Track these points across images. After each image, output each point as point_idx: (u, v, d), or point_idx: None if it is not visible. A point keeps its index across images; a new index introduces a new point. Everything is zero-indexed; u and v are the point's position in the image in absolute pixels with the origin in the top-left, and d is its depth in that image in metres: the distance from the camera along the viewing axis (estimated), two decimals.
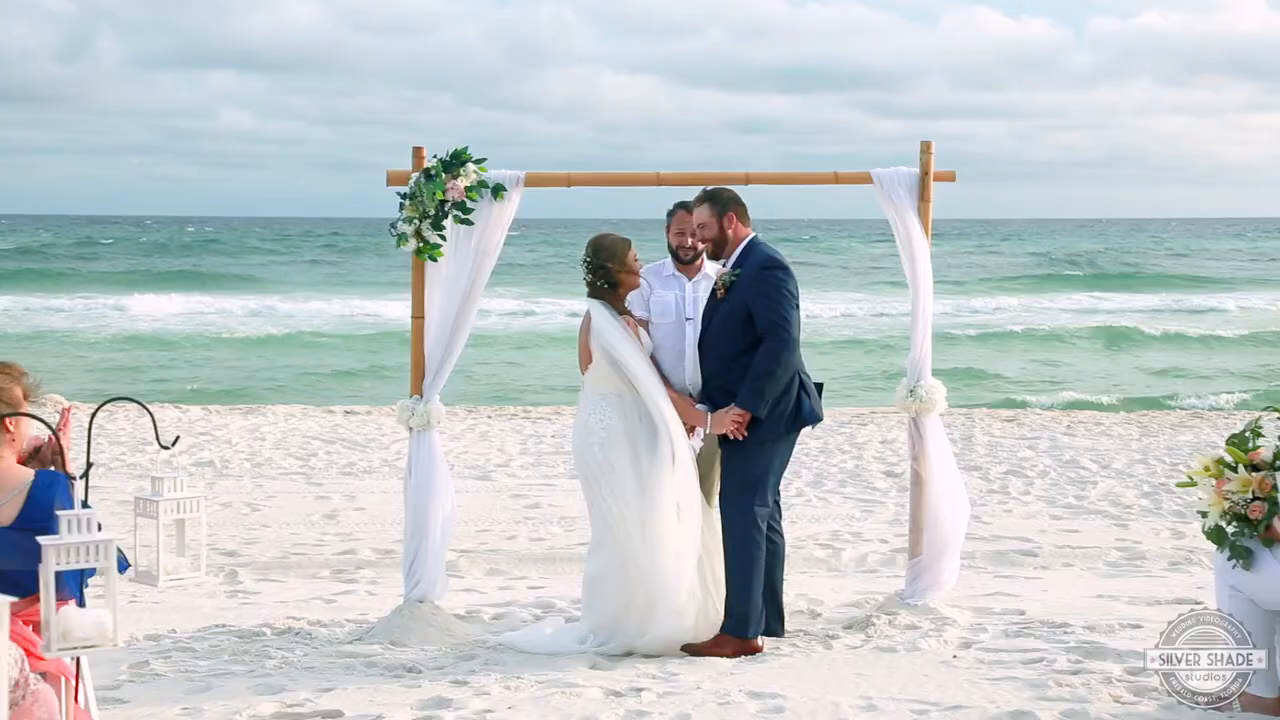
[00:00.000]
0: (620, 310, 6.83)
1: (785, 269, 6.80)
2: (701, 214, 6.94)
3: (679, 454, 6.68)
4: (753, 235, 6.93)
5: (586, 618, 6.93)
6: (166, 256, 62.45)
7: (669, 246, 7.43)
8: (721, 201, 6.92)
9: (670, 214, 7.43)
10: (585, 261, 6.85)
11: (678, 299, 7.29)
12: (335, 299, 40.38)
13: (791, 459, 13.12)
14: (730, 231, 6.89)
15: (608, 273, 6.80)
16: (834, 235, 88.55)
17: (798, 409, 6.81)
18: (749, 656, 6.69)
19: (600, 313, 6.79)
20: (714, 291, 6.91)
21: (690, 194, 7.24)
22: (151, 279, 46.97)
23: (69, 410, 5.03)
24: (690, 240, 7.27)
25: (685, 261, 7.35)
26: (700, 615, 6.74)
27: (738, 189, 7.26)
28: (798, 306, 6.81)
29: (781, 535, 7.03)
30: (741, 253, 6.87)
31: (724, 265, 6.95)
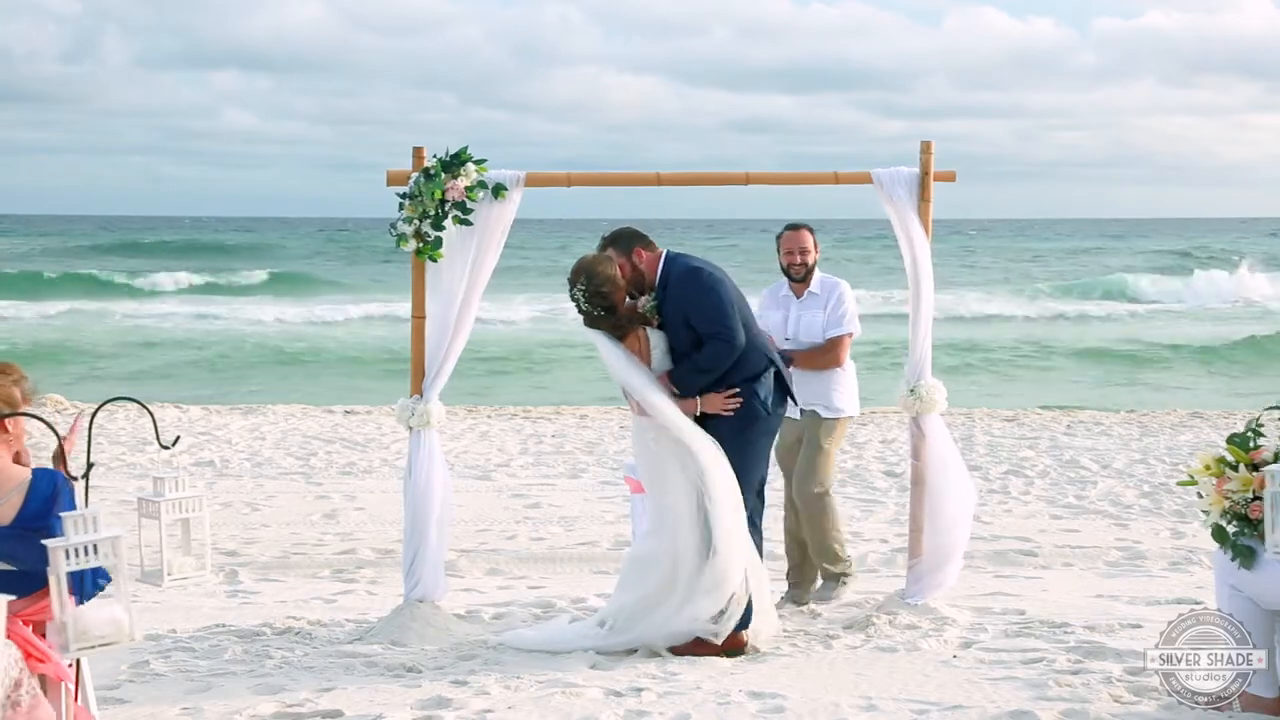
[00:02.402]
0: (622, 333, 6.76)
1: (707, 271, 6.80)
2: (613, 257, 6.93)
3: (707, 471, 6.64)
4: (665, 252, 6.95)
5: (616, 598, 6.92)
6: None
7: (781, 267, 7.95)
8: (624, 240, 6.93)
9: (779, 236, 7.92)
10: (581, 289, 6.69)
11: (784, 319, 7.85)
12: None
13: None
14: (643, 265, 6.90)
15: (604, 297, 6.71)
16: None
17: (776, 394, 6.87)
18: (740, 655, 6.67)
19: (605, 346, 6.76)
20: (646, 319, 6.89)
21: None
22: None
23: (79, 417, 5.05)
24: (799, 258, 7.79)
25: (797, 280, 7.85)
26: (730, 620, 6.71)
27: (736, 189, 7.39)
28: (736, 299, 6.78)
29: (760, 533, 6.97)
30: (662, 272, 6.87)
31: (650, 292, 6.91)
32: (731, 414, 6.75)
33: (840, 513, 7.98)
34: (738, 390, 6.76)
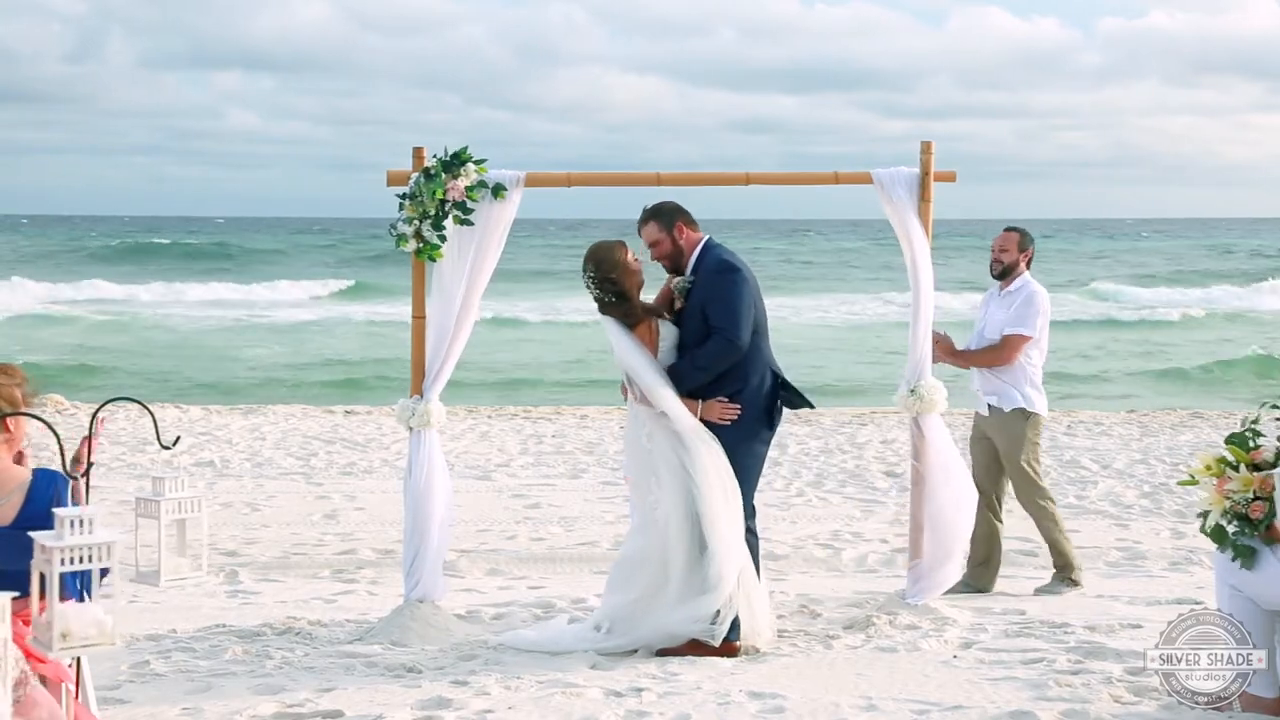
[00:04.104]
0: (633, 321, 6.76)
1: (738, 270, 6.79)
2: (651, 232, 6.93)
3: (703, 460, 6.64)
4: (706, 238, 6.94)
5: (607, 600, 6.92)
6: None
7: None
8: (667, 214, 6.93)
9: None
10: (590, 278, 6.73)
11: (982, 314, 8.35)
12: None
13: (792, 459, 13.01)
14: (683, 242, 6.90)
15: (613, 283, 6.71)
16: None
17: (776, 405, 6.87)
18: (734, 658, 6.64)
19: (614, 332, 6.76)
20: (673, 301, 6.92)
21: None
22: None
23: (103, 422, 5.05)
24: (995, 255, 8.22)
25: (994, 277, 8.29)
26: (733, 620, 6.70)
27: (737, 189, 7.45)
28: (753, 306, 6.79)
29: (756, 535, 6.98)
30: (697, 258, 6.87)
31: (684, 272, 6.93)
32: (729, 423, 6.74)
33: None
34: (738, 404, 6.75)
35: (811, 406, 7.10)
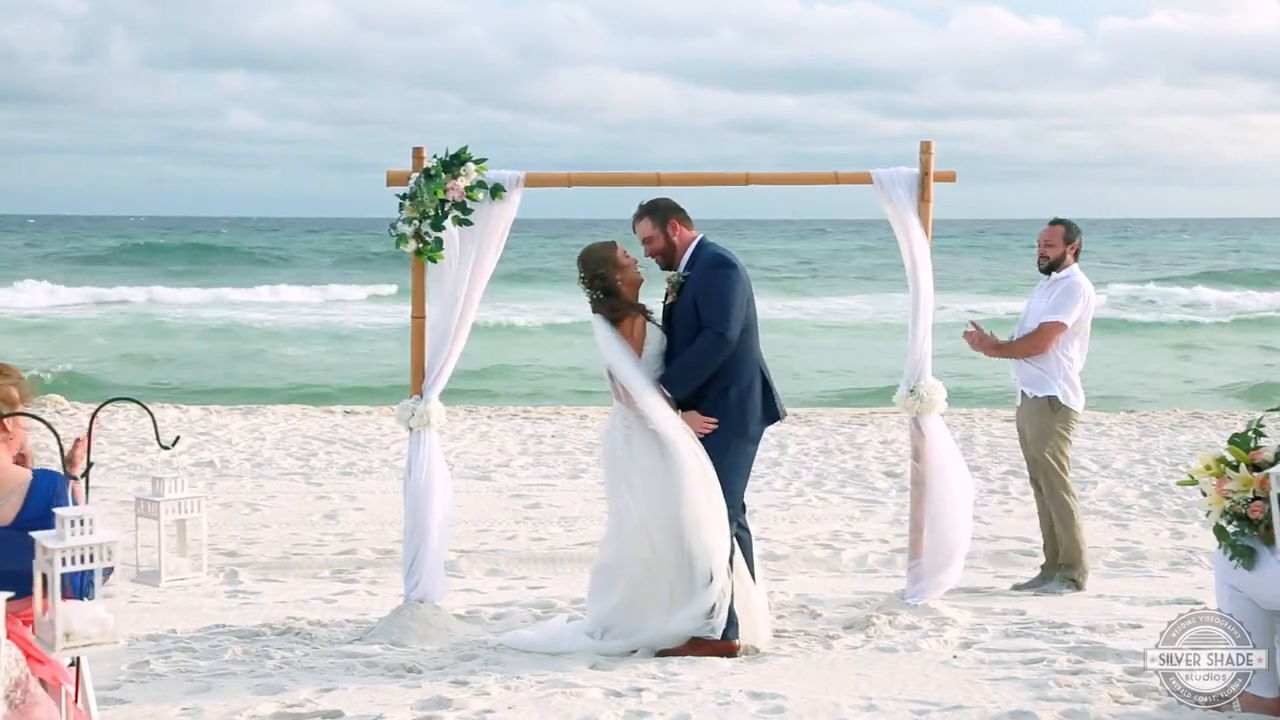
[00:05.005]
0: (620, 317, 6.77)
1: (733, 266, 6.80)
2: (645, 228, 6.97)
3: (687, 458, 6.64)
4: (700, 236, 6.96)
5: (593, 611, 6.91)
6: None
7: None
8: (661, 211, 6.96)
9: None
10: (581, 278, 6.83)
11: (1027, 304, 8.46)
12: None
13: (792, 459, 13.02)
14: (676, 238, 6.92)
15: (603, 280, 6.77)
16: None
17: (763, 406, 6.86)
18: (733, 658, 6.65)
19: (600, 330, 6.78)
20: (666, 295, 6.94)
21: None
22: None
23: (94, 422, 5.04)
24: (1041, 249, 8.31)
25: (1040, 270, 8.36)
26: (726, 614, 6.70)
27: (737, 189, 7.47)
28: (747, 302, 6.80)
29: (748, 531, 6.99)
30: (691, 255, 6.89)
31: (676, 270, 6.96)
32: (719, 420, 6.72)
33: (1079, 509, 8.33)
34: (727, 400, 6.75)
35: (779, 418, 7.04)
